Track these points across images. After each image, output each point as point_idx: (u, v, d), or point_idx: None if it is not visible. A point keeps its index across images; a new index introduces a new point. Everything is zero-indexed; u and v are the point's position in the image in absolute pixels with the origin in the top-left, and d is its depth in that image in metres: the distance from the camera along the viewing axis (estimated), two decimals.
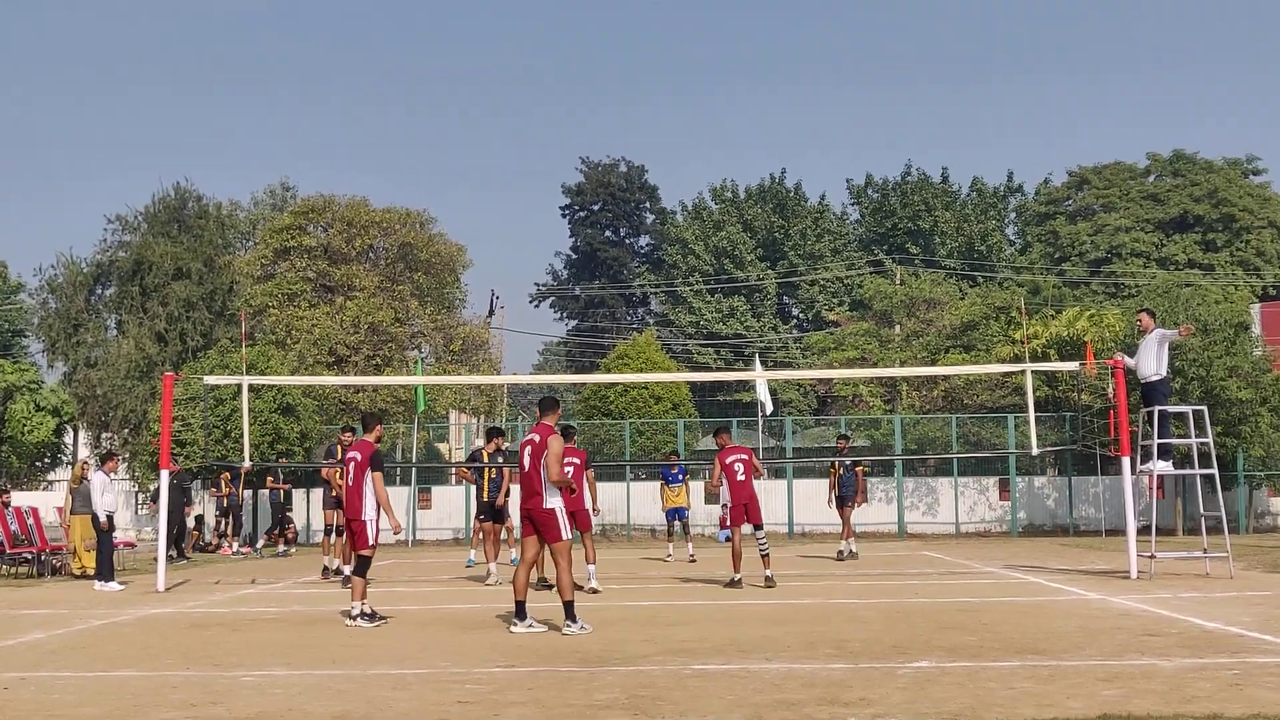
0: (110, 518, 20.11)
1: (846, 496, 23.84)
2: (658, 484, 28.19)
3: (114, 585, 19.27)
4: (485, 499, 19.58)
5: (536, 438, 12.65)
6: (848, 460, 23.85)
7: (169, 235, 40.09)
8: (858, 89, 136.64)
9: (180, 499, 23.43)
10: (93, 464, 22.39)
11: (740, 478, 17.54)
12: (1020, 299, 36.24)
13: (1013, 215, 70.45)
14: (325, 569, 19.57)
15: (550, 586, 14.67)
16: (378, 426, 14.24)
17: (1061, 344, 36.93)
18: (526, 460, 12.56)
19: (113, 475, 21.21)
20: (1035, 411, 21.39)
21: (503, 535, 20.67)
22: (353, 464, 13.67)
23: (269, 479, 31.42)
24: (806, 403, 58.22)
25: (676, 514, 24.97)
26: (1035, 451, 21.32)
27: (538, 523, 12.45)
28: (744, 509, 17.60)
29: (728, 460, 17.65)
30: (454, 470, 39.05)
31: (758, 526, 17.79)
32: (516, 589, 12.54)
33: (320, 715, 7.94)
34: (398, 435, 40.35)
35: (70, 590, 19.42)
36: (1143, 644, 10.75)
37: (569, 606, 12.33)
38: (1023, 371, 22.09)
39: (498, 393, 45.76)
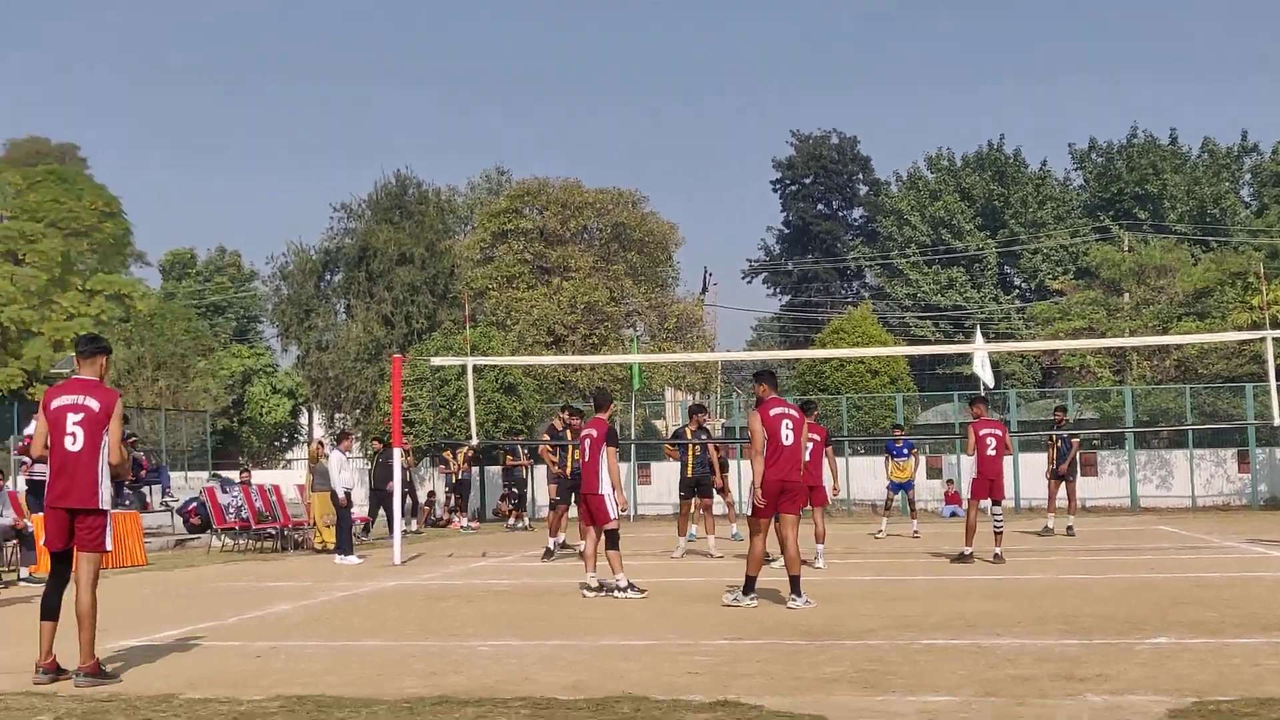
0: (348, 494, 20.84)
1: (1066, 470, 23.25)
2: (878, 459, 27.95)
3: (353, 559, 19.97)
4: (689, 475, 19.71)
5: (796, 413, 12.72)
6: (1065, 433, 23.26)
7: (392, 222, 41.24)
8: (1077, 48, 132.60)
9: (385, 475, 24.12)
10: (329, 443, 23.25)
11: (991, 452, 17.21)
12: (1258, 263, 34.76)
13: (1248, 176, 67.54)
14: (548, 550, 19.71)
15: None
16: (610, 404, 14.44)
17: None
18: (790, 435, 12.51)
19: (348, 454, 21.95)
20: (1276, 380, 20.53)
21: (722, 510, 20.78)
22: (588, 440, 13.89)
23: (508, 456, 31.96)
24: (1030, 375, 56.97)
25: (900, 488, 24.68)
26: (1277, 422, 20.48)
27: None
28: (989, 484, 17.29)
29: (982, 432, 17.29)
30: (664, 447, 39.41)
31: (996, 502, 17.46)
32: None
33: (555, 685, 8.12)
34: (615, 413, 40.83)
35: (312, 564, 20.21)
36: None
37: (750, 581, 12.38)
38: (1262, 339, 21.22)
39: (712, 369, 45.88)
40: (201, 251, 70.57)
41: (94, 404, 8.84)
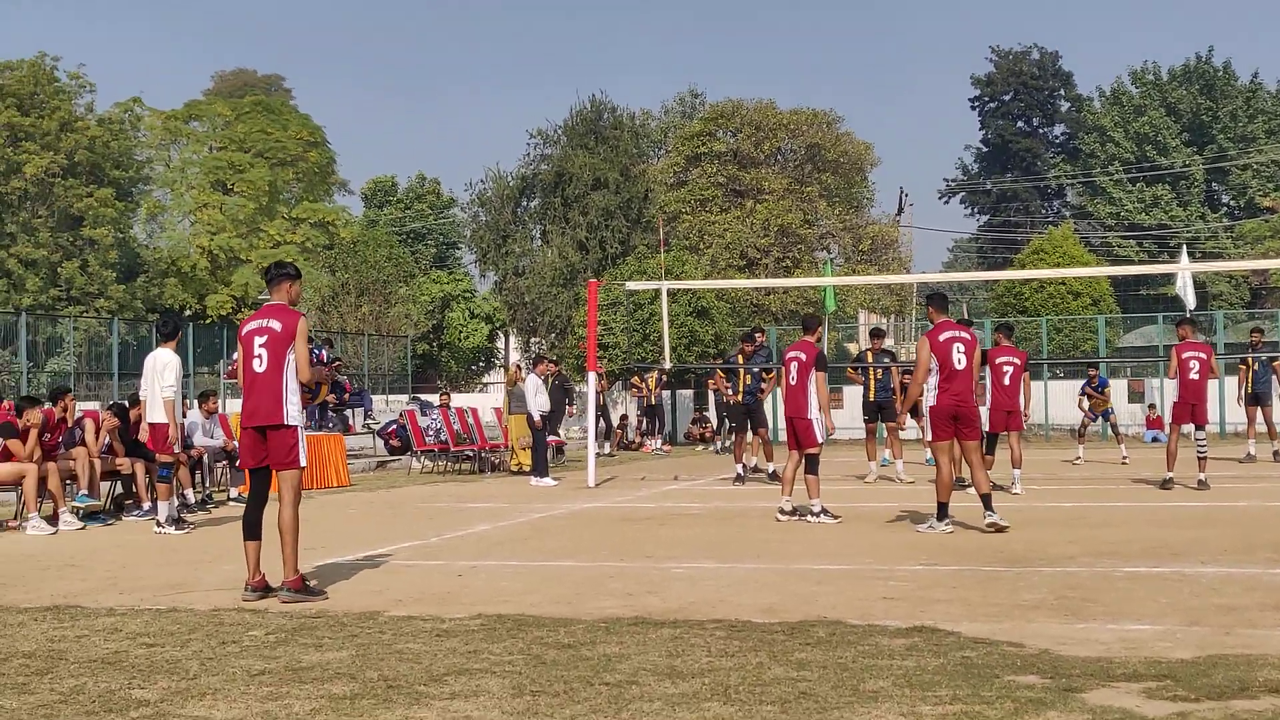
0: (544, 417, 21.22)
1: (1263, 394, 22.35)
2: (1078, 383, 27.33)
3: (549, 481, 20.37)
4: (872, 399, 19.76)
5: (968, 335, 12.69)
6: (1263, 355, 22.40)
7: (586, 147, 41.45)
8: None
9: (562, 397, 24.39)
10: (525, 366, 23.67)
11: (1194, 376, 16.76)
12: None
13: None
14: (739, 475, 19.86)
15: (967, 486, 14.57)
16: (818, 327, 14.48)
17: None
18: (963, 359, 12.50)
19: (546, 377, 22.31)
20: None
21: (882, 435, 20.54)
22: (795, 364, 13.87)
23: (709, 380, 31.98)
24: (1239, 295, 54.99)
25: (1100, 416, 24.32)
26: None
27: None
28: (1190, 408, 16.85)
29: (1184, 355, 16.87)
30: (846, 370, 39.11)
31: (1199, 427, 17.03)
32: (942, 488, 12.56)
33: (750, 607, 8.21)
34: (822, 336, 40.67)
35: (509, 485, 20.68)
36: None
37: (942, 507, 12.41)
38: None
39: (907, 292, 45.35)
40: (402, 179, 72.06)
41: (277, 325, 9.08)
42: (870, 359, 20.06)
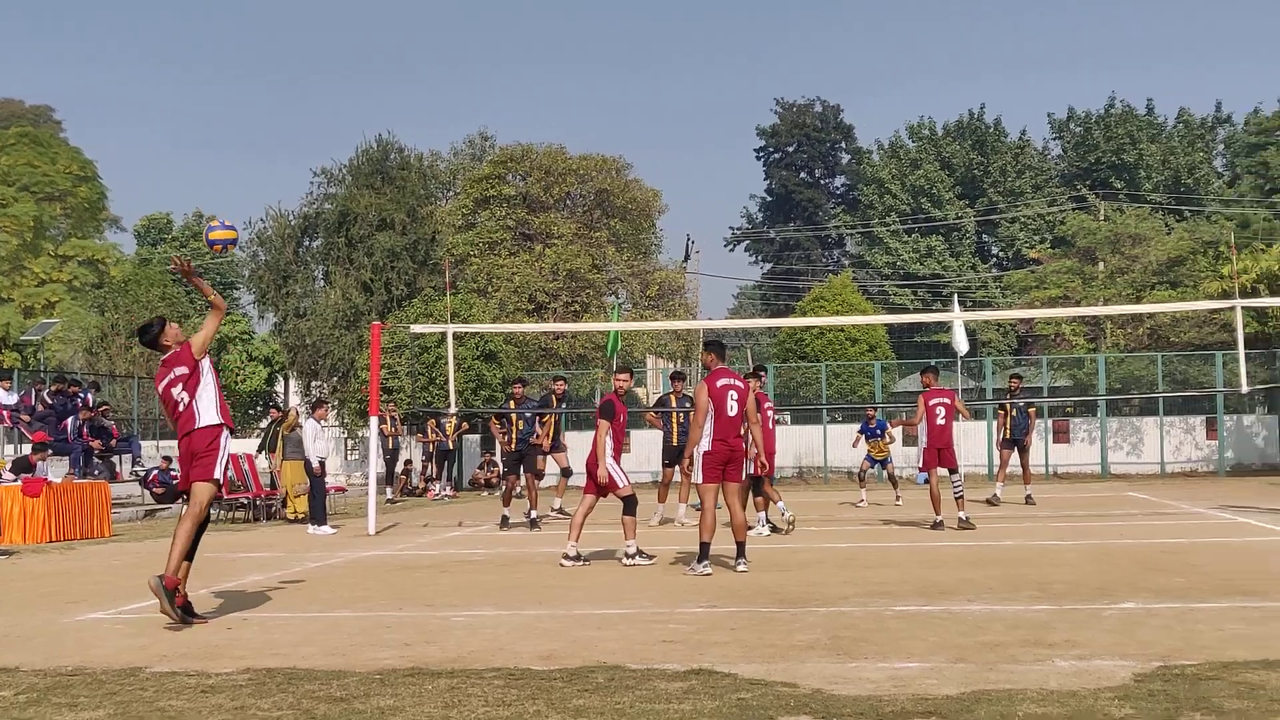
0: (322, 463, 20.84)
1: (1019, 439, 23.09)
2: (855, 428, 27.99)
3: (327, 529, 19.98)
4: (674, 444, 19.91)
5: (741, 383, 12.96)
6: (1020, 401, 23.24)
7: (373, 187, 41.02)
8: (1057, 18, 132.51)
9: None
10: (304, 412, 23.21)
11: (940, 421, 17.47)
12: (1229, 233, 34.94)
13: (1221, 147, 67.82)
14: (504, 518, 19.93)
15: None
16: (620, 376, 14.90)
17: (1272, 279, 35.52)
18: (735, 406, 12.75)
19: (323, 422, 21.91)
20: (1245, 348, 20.70)
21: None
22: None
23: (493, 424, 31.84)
24: (1006, 343, 57.22)
25: (878, 463, 24.84)
26: (1245, 389, 20.67)
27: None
28: (938, 453, 17.52)
29: (931, 403, 17.56)
30: (645, 415, 39.44)
31: (952, 470, 17.72)
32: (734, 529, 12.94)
33: (530, 654, 8.18)
34: (596, 381, 40.87)
35: (285, 534, 20.21)
36: None
37: (704, 547, 12.66)
38: (1232, 308, 21.36)
39: (694, 337, 45.92)
40: (178, 216, 70.27)
41: (184, 369, 9.99)
42: (674, 402, 20.15)
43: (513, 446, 20.11)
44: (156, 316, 10.69)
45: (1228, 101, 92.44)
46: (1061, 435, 35.46)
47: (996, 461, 24.38)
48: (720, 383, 12.77)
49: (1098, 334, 42.72)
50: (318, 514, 20.34)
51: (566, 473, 22.48)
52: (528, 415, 20.13)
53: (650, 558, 13.65)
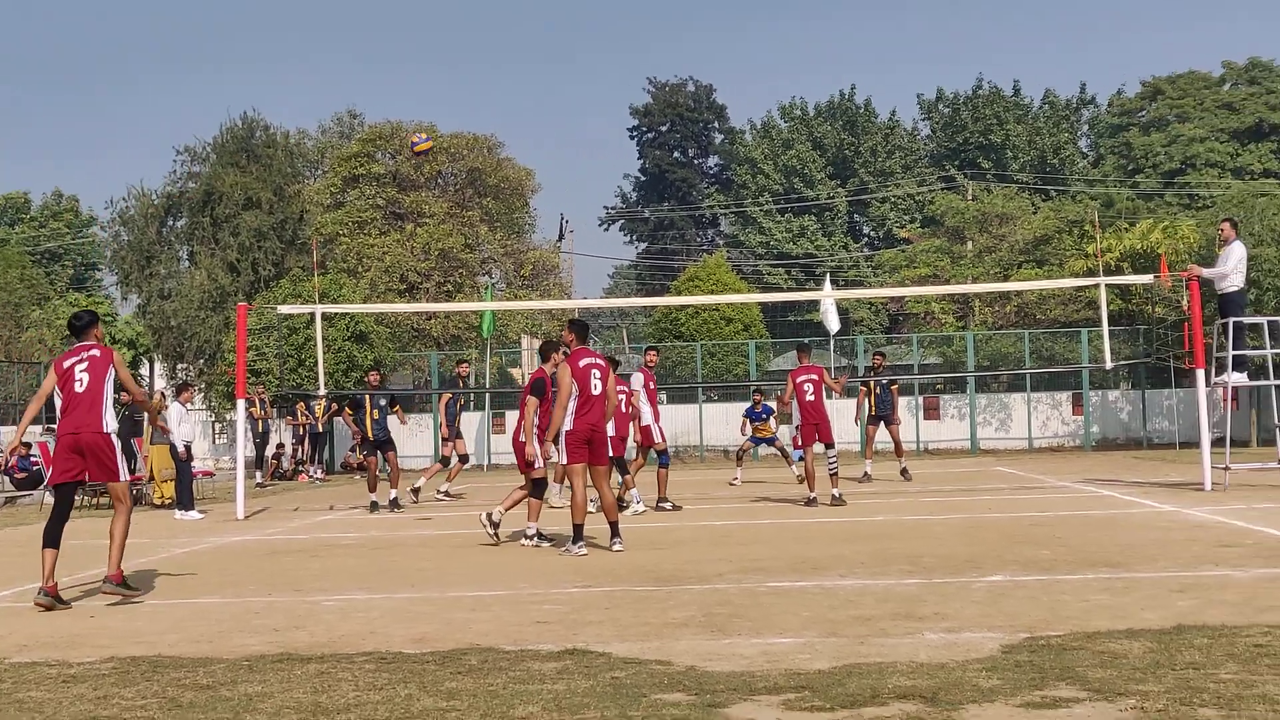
0: (188, 447, 20.45)
1: (885, 416, 23.34)
2: (729, 406, 28.23)
3: (194, 514, 19.61)
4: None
5: (603, 362, 13.00)
6: (884, 379, 23.46)
7: (238, 165, 40.25)
8: (927, 1, 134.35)
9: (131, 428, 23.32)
10: (169, 395, 22.74)
11: (810, 398, 17.61)
12: (1093, 212, 35.69)
13: (1085, 128, 69.42)
14: (373, 504, 19.88)
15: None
16: (553, 354, 14.45)
17: (1135, 257, 36.39)
18: (599, 385, 12.75)
19: (189, 405, 21.47)
20: (1109, 325, 21.17)
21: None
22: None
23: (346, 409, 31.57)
24: (878, 321, 57.96)
25: (764, 442, 24.99)
26: (1109, 366, 21.13)
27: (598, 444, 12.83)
28: (814, 429, 17.68)
29: (799, 379, 17.75)
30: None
31: (828, 446, 17.89)
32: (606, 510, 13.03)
33: (401, 637, 8.08)
34: (471, 361, 40.64)
35: (151, 520, 19.75)
36: (1217, 555, 10.69)
37: (578, 529, 12.72)
38: (1096, 285, 21.82)
39: (568, 317, 45.89)
40: (36, 195, 68.45)
41: (96, 353, 10.52)
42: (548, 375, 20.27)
43: (371, 435, 20.25)
44: (91, 310, 11.53)
45: (1092, 83, 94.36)
46: (931, 412, 36.04)
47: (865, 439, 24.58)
48: (584, 362, 12.82)
49: (966, 312, 43.47)
50: (184, 499, 19.96)
51: (464, 459, 22.44)
52: (382, 404, 20.36)
53: (551, 540, 13.57)
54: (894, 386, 23.79)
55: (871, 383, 23.44)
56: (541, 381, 13.82)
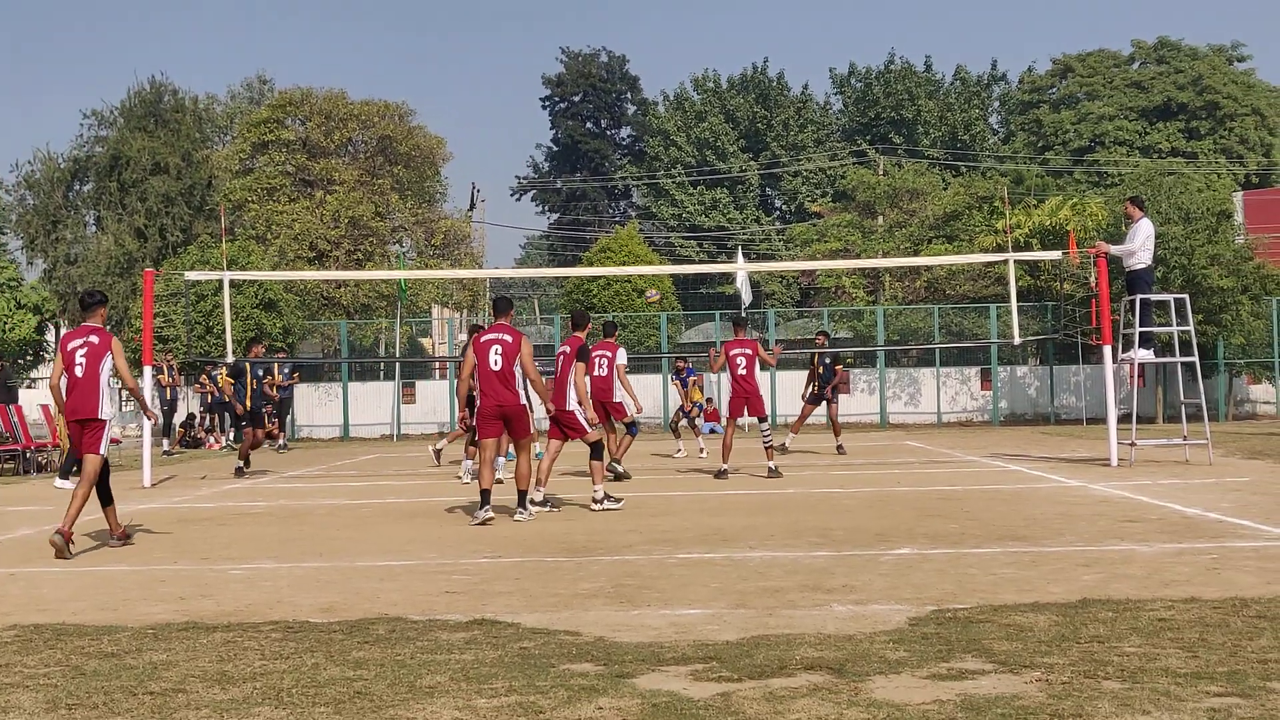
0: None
1: (823, 393, 23.48)
2: (644, 378, 28.19)
3: (70, 484, 19.11)
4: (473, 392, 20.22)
5: (509, 338, 12.95)
6: (828, 358, 23.60)
7: (146, 130, 39.65)
8: None
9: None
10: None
11: (742, 371, 17.56)
12: (1003, 188, 36.16)
13: (996, 104, 70.17)
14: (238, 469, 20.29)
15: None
16: (588, 323, 15.08)
17: (1044, 233, 36.89)
18: (497, 359, 12.82)
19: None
20: (1017, 301, 21.42)
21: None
22: (562, 356, 14.16)
23: (268, 375, 31.17)
24: (789, 295, 58.28)
25: (683, 413, 24.70)
26: (1017, 341, 21.39)
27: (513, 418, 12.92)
28: (744, 401, 17.66)
29: (732, 352, 17.70)
30: (436, 365, 39.13)
31: (761, 419, 17.89)
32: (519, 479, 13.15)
33: (308, 606, 8.01)
34: (380, 330, 40.33)
35: (56, 487, 19.42)
36: (1122, 530, 10.87)
37: (522, 495, 13.03)
38: (1005, 261, 22.07)
39: (480, 287, 45.70)
40: None
41: (95, 339, 11.38)
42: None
43: (249, 405, 21.30)
44: (101, 292, 12.29)
45: (1003, 60, 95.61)
46: (842, 385, 36.28)
47: (796, 414, 24.68)
48: (485, 338, 12.99)
49: (877, 287, 43.79)
50: (69, 466, 19.44)
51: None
52: (260, 374, 21.89)
53: (618, 501, 13.76)
54: (839, 366, 23.82)
55: (817, 360, 23.48)
56: (585, 347, 14.20)
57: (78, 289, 38.79)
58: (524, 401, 12.91)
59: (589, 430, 13.88)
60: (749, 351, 17.68)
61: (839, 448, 23.28)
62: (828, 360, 23.52)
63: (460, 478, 18.43)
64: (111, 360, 11.36)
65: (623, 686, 5.73)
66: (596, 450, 14.01)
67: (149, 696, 5.76)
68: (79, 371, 11.25)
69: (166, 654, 6.65)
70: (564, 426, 13.96)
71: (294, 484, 18.93)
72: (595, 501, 13.72)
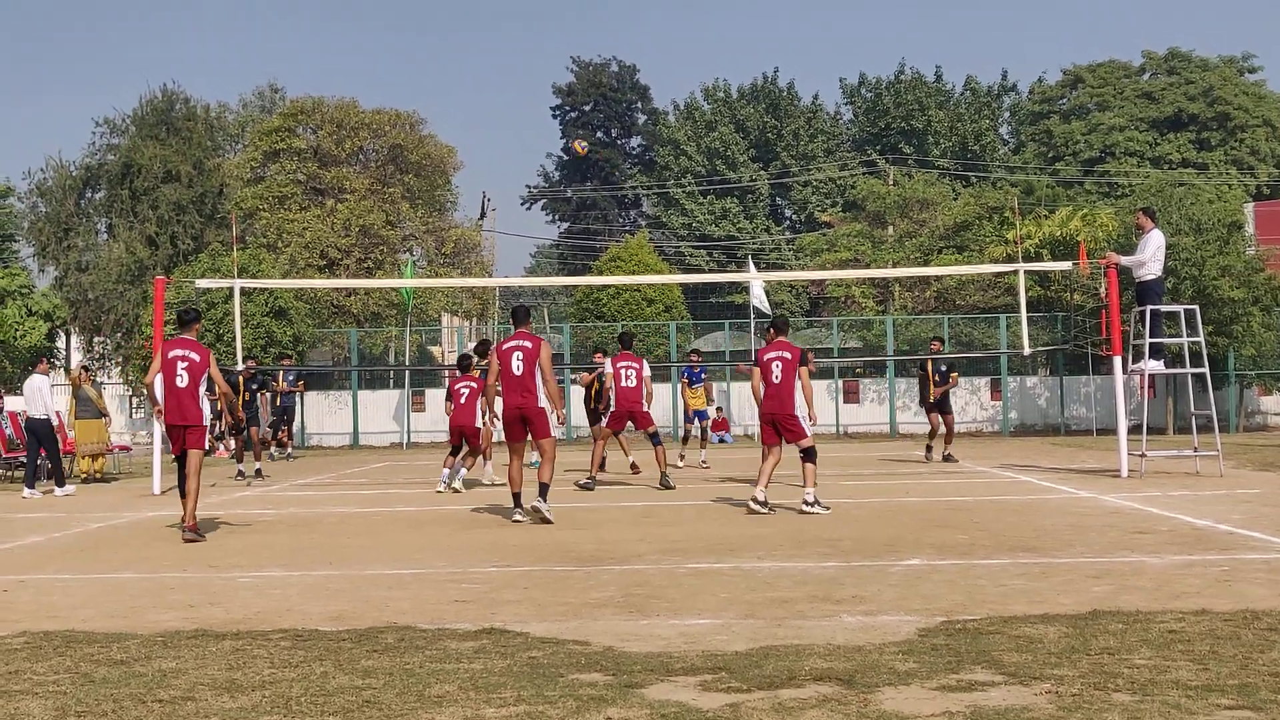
0: (46, 422, 19.86)
1: (945, 401, 22.77)
2: (677, 391, 27.99)
3: (35, 492, 19.10)
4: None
5: (529, 344, 13.36)
6: (943, 365, 22.77)
7: (157, 138, 39.70)
8: None
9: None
10: (91, 369, 22.37)
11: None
12: (1013, 199, 36.07)
13: (1006, 114, 70.04)
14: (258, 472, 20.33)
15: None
16: (788, 328, 15.48)
17: (1054, 244, 36.85)
18: (519, 364, 13.29)
19: (49, 376, 20.84)
20: (1027, 312, 21.38)
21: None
22: (780, 363, 14.23)
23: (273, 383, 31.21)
24: (799, 304, 58.19)
25: (698, 416, 24.07)
26: (1027, 352, 21.38)
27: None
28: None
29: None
30: (446, 373, 39.10)
31: (805, 452, 16.09)
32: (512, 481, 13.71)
33: (318, 615, 8.01)
34: (390, 338, 40.36)
35: (67, 494, 19.45)
36: (1133, 541, 10.84)
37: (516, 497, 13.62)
38: (1015, 271, 22.03)
39: (490, 295, 45.67)
40: None
41: (195, 356, 12.97)
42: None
43: (240, 416, 21.89)
44: (196, 309, 14.13)
45: (1013, 71, 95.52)
46: (851, 395, 36.31)
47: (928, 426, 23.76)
48: (507, 345, 13.49)
49: (886, 297, 43.77)
50: (30, 475, 19.55)
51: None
52: (254, 388, 23.59)
53: (826, 508, 13.83)
54: (954, 375, 23.03)
55: (930, 369, 22.79)
56: (806, 353, 14.70)
57: (89, 296, 38.89)
58: (542, 404, 13.34)
59: (806, 434, 14.07)
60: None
61: (947, 456, 22.66)
62: (943, 368, 22.75)
63: (439, 489, 18.20)
64: (209, 374, 13.09)
65: (631, 697, 5.73)
66: (808, 454, 14.12)
67: (158, 704, 5.76)
68: (180, 382, 12.90)
69: (176, 662, 6.66)
70: (782, 430, 14.27)
71: (303, 492, 18.95)
72: (806, 504, 13.91)
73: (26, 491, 19.25)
